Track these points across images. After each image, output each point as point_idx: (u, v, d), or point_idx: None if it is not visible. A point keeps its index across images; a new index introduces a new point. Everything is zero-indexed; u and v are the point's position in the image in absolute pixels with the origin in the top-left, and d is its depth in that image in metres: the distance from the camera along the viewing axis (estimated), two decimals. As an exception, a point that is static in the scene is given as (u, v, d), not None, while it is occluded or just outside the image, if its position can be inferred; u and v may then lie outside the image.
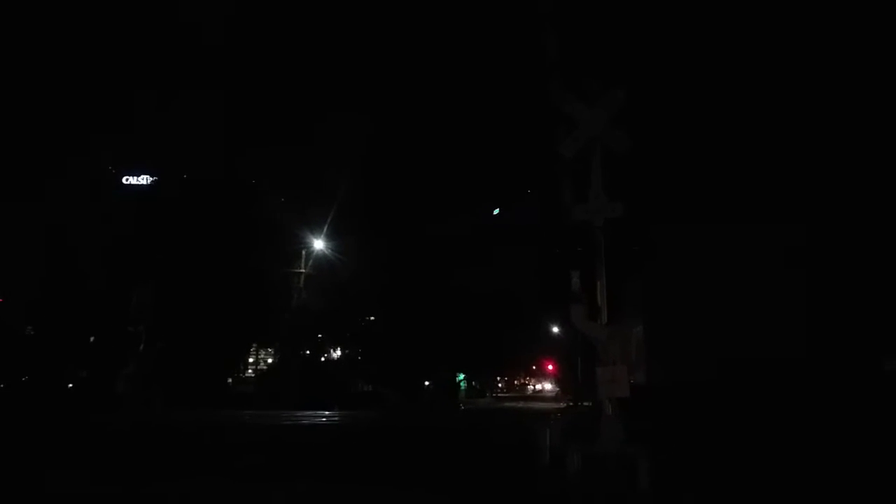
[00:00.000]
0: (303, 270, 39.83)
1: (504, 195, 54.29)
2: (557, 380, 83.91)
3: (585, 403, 35.14)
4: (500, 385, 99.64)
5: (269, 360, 61.51)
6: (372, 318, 52.74)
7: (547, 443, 9.61)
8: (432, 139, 51.23)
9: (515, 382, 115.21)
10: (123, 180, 50.74)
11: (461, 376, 62.43)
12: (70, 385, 40.72)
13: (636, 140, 8.62)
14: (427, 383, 53.72)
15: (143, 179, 50.76)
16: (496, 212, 55.78)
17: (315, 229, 40.38)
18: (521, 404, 55.55)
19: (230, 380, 49.36)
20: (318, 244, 40.58)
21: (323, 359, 55.08)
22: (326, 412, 32.00)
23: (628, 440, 7.46)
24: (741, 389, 14.96)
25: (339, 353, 57.83)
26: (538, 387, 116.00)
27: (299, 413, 29.67)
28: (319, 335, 52.39)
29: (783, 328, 19.01)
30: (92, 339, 42.06)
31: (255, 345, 60.17)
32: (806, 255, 19.57)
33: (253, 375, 58.29)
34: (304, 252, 40.08)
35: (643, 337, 24.02)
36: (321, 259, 41.08)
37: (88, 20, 44.38)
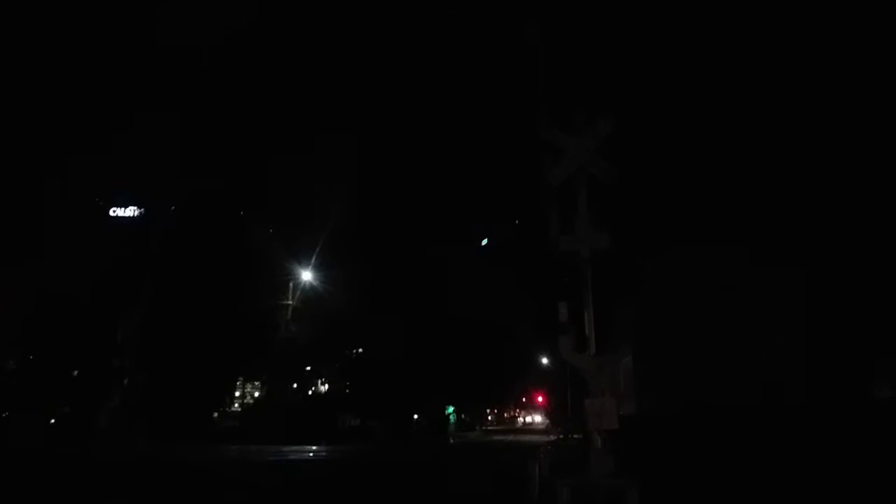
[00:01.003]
0: (290, 302, 39.60)
1: (492, 225, 54.47)
2: (547, 412, 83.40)
3: (575, 436, 34.84)
4: (489, 418, 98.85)
5: (256, 394, 60.76)
6: (360, 350, 52.33)
7: (536, 476, 9.47)
8: (420, 169, 51.40)
9: (505, 415, 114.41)
10: (110, 212, 50.45)
11: (450, 409, 61.93)
12: (53, 420, 39.97)
13: (622, 169, 8.64)
14: (416, 417, 53.20)
15: (130, 211, 50.52)
16: (484, 242, 55.87)
17: (303, 261, 40.27)
18: (510, 437, 55.07)
19: (216, 414, 48.62)
20: (306, 276, 40.44)
21: (310, 392, 54.50)
22: (314, 447, 31.56)
23: (617, 472, 7.35)
24: (731, 421, 14.85)
25: (326, 386, 57.26)
26: (528, 419, 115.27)
27: (286, 448, 29.23)
28: (307, 368, 51.91)
29: (776, 358, 18.96)
30: (76, 373, 41.42)
31: (241, 378, 59.44)
32: (799, 282, 19.60)
33: (240, 409, 57.50)
34: (291, 284, 39.89)
35: (632, 367, 23.92)
36: (309, 291, 40.88)
37: (70, 49, 44.31)
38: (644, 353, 22.41)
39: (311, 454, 25.41)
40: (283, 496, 11.76)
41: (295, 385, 49.46)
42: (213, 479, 15.00)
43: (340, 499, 11.42)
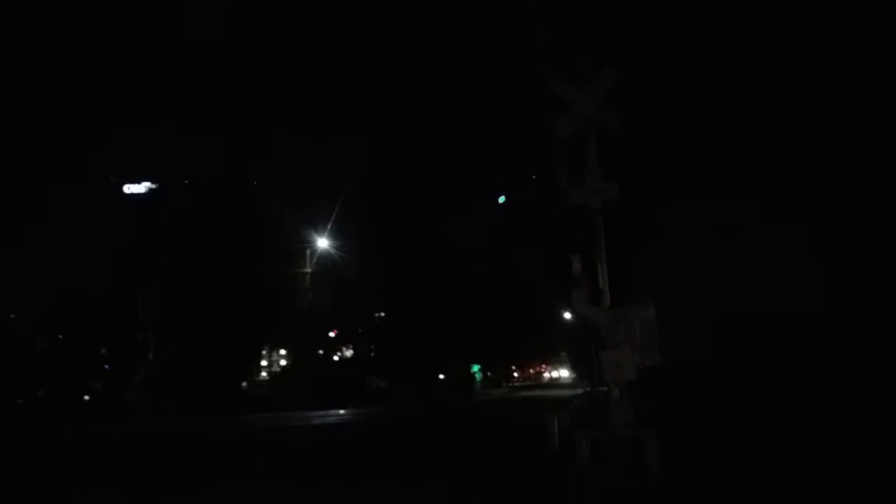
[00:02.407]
0: (308, 270, 39.73)
1: (509, 182, 54.00)
2: (573, 366, 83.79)
3: (602, 388, 34.96)
4: (515, 374, 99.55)
5: (283, 362, 61.64)
6: (382, 314, 52.70)
7: (556, 429, 9.49)
8: (434, 129, 50.91)
9: (531, 371, 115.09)
10: (125, 189, 50.68)
11: (476, 367, 62.40)
12: (86, 397, 40.82)
13: (636, 118, 8.45)
14: (442, 376, 53.72)
15: (144, 187, 50.71)
16: (501, 199, 55.53)
17: (319, 227, 40.25)
18: (536, 392, 55.49)
19: (244, 383, 49.36)
20: (323, 243, 40.45)
21: (336, 357, 55.14)
22: (341, 411, 32.03)
23: (637, 423, 7.33)
24: (756, 369, 14.77)
25: (351, 351, 57.91)
26: (554, 374, 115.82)
27: (312, 413, 29.68)
28: (331, 334, 52.42)
29: (799, 305, 18.72)
30: (103, 350, 42.16)
31: (267, 347, 60.26)
32: (819, 230, 19.25)
33: (267, 378, 58.38)
34: (308, 251, 39.98)
35: (655, 318, 23.81)
36: (326, 257, 40.96)
37: (81, 30, 44.19)
38: (666, 304, 22.29)
39: (336, 419, 25.82)
40: (310, 460, 11.97)
41: (321, 351, 50.00)
42: (237, 450, 15.30)
43: (366, 459, 11.64)
